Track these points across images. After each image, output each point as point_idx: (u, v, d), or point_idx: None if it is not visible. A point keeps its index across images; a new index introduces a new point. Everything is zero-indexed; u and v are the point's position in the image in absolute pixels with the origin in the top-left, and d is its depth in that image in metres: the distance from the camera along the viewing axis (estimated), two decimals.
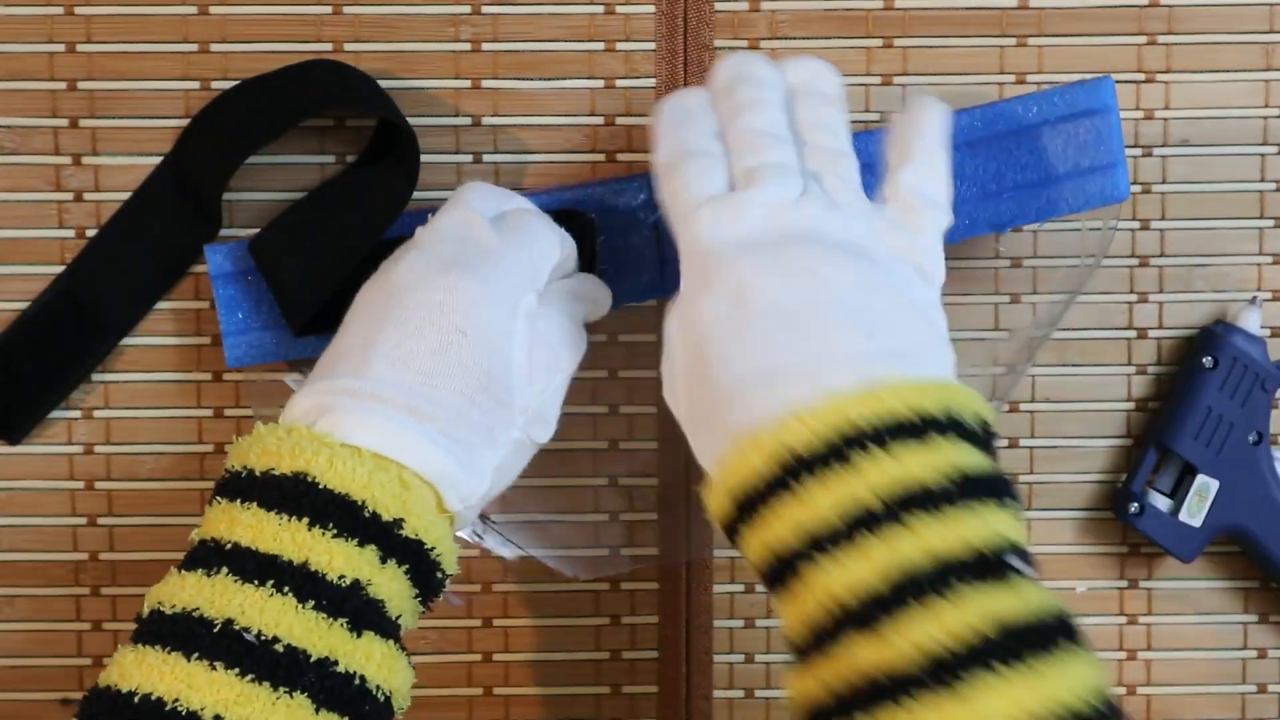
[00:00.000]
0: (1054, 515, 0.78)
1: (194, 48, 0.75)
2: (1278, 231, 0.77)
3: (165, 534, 0.77)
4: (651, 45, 0.76)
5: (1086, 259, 0.75)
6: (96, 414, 0.76)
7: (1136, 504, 0.75)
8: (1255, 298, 0.76)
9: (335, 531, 0.58)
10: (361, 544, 0.58)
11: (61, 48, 0.75)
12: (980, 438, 0.56)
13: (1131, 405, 0.77)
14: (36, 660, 0.77)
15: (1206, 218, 0.77)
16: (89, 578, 0.77)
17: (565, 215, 0.70)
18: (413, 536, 0.59)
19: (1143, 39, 0.76)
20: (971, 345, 0.77)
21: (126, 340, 0.76)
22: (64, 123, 0.76)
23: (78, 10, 0.75)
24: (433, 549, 0.60)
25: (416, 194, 0.74)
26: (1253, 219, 0.77)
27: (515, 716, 0.78)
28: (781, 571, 0.55)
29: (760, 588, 0.77)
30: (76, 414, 0.76)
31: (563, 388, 0.66)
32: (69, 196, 0.76)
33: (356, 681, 0.58)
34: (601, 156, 0.76)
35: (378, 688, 0.58)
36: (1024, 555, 0.54)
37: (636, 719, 0.78)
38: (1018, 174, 0.72)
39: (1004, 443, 0.77)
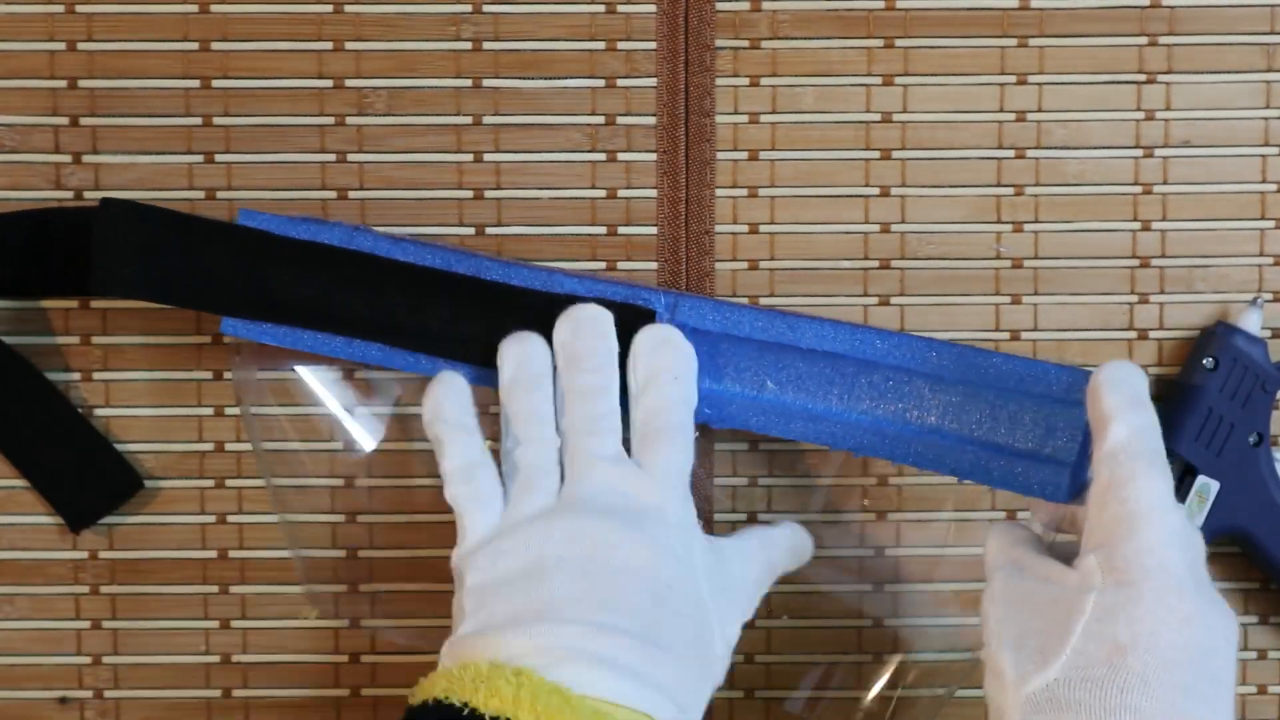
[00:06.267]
0: None
1: (195, 46, 0.75)
2: (1278, 233, 0.77)
3: (164, 533, 0.77)
4: (653, 44, 0.76)
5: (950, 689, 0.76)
6: (97, 413, 0.76)
7: None
8: (1256, 299, 0.76)
9: None
10: None
11: (62, 46, 0.75)
12: None
13: None
14: (36, 659, 0.77)
15: (1207, 219, 0.77)
16: (89, 576, 0.77)
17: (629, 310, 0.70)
18: None
19: (1144, 40, 0.76)
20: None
21: (126, 339, 0.76)
22: (64, 121, 0.76)
23: (78, 8, 0.75)
24: None
25: (417, 193, 0.74)
26: (1253, 220, 0.77)
27: None
28: None
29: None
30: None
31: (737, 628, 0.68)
32: (69, 195, 0.76)
33: None
34: (603, 156, 0.75)
35: None
36: None
37: None
38: (976, 430, 0.70)
39: None
